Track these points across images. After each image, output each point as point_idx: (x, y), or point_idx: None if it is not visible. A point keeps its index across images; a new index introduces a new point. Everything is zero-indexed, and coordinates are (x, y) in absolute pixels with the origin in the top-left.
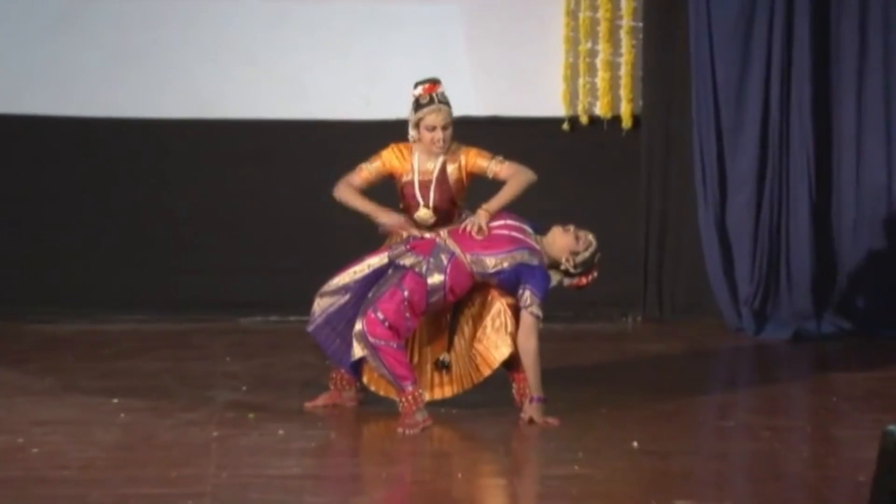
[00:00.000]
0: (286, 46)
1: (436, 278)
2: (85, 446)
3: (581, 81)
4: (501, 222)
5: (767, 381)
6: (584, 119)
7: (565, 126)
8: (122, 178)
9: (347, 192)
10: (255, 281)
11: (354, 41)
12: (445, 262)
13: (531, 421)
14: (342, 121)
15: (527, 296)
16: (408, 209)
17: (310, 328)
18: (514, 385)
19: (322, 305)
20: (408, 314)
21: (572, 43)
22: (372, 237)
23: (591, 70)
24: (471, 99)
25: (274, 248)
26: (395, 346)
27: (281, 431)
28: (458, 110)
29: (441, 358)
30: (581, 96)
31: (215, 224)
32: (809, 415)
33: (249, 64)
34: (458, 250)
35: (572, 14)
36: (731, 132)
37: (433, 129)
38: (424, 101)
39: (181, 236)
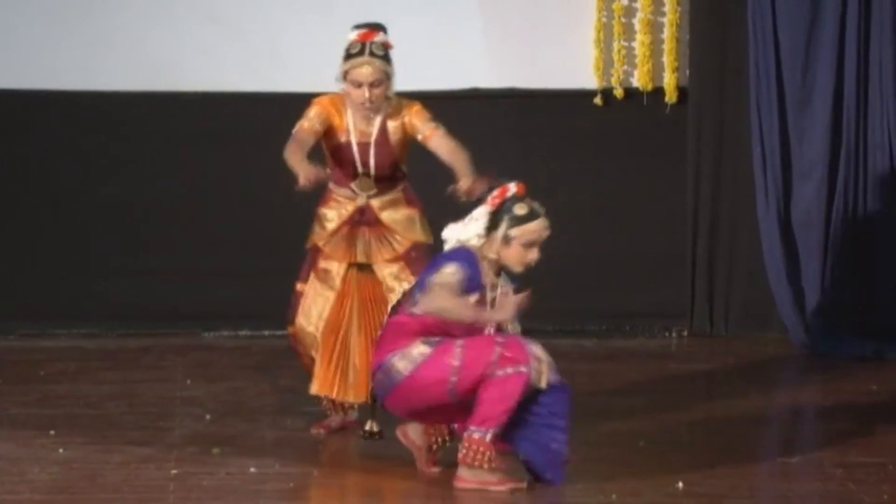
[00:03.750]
0: (256, 3)
1: None
2: (16, 487)
3: (616, 46)
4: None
5: (840, 409)
6: (618, 92)
7: (597, 100)
8: (59, 163)
9: (294, 151)
10: (220, 287)
11: (336, 1)
12: None
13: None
14: (325, 93)
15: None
16: (340, 176)
17: None
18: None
19: None
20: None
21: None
22: None
23: (629, 32)
24: (483, 68)
25: (244, 247)
26: None
27: (252, 469)
28: (468, 81)
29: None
30: (616, 64)
31: (172, 218)
32: (891, 449)
33: (212, 24)
34: None
35: None
36: (796, 108)
37: (359, 85)
38: (354, 49)
39: (131, 233)
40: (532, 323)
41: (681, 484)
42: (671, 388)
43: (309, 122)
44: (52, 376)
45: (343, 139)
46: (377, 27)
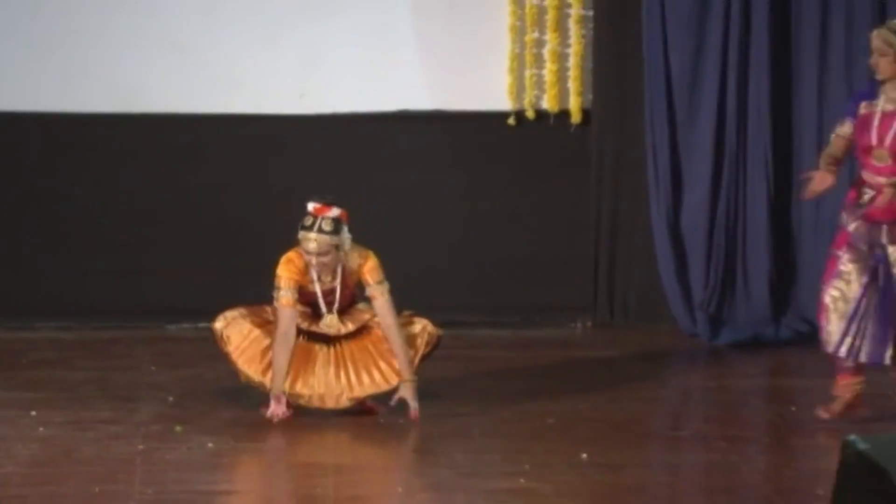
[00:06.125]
0: (215, 34)
1: None
2: (2, 462)
3: (528, 73)
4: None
5: (723, 388)
6: (530, 113)
7: (511, 120)
8: (39, 176)
9: (282, 345)
10: (182, 284)
11: (289, 28)
12: None
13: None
14: (274, 115)
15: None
16: (309, 313)
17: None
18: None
19: None
20: None
21: (518, 32)
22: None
23: (539, 61)
24: (413, 91)
25: (203, 249)
26: None
27: (210, 444)
28: (399, 104)
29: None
30: (527, 89)
31: (140, 224)
32: (766, 424)
33: (175, 53)
34: None
35: (518, 1)
36: (684, 126)
37: (308, 254)
38: (307, 223)
39: (103, 237)
40: (456, 315)
41: (585, 455)
42: (577, 372)
43: (286, 297)
44: (33, 364)
45: (309, 289)
46: (331, 204)
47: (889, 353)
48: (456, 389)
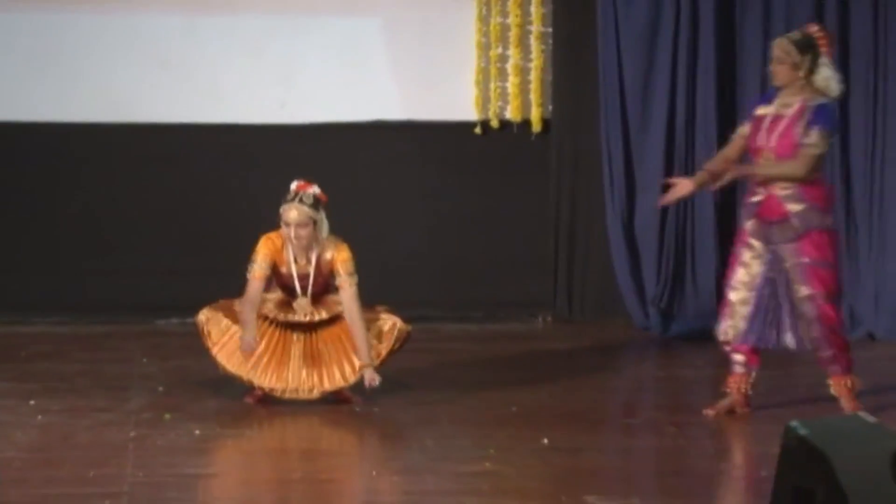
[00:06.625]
0: (199, 50)
1: None
2: (2, 447)
3: (492, 86)
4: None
5: (672, 378)
6: (495, 123)
7: (477, 130)
8: (36, 182)
9: (247, 308)
10: (170, 283)
11: (268, 44)
12: None
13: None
14: (256, 124)
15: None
16: (284, 295)
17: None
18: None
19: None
20: None
21: (484, 48)
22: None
23: (502, 75)
24: (386, 103)
25: (189, 250)
26: None
27: (197, 431)
28: (373, 114)
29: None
30: (492, 101)
31: (130, 227)
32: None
33: (162, 68)
34: None
35: (484, 20)
36: (637, 135)
37: (288, 224)
38: (289, 197)
39: (96, 239)
40: (426, 311)
41: (546, 440)
42: (538, 363)
43: (260, 270)
44: (31, 356)
45: (285, 270)
46: (311, 183)
47: (793, 336)
48: (426, 380)
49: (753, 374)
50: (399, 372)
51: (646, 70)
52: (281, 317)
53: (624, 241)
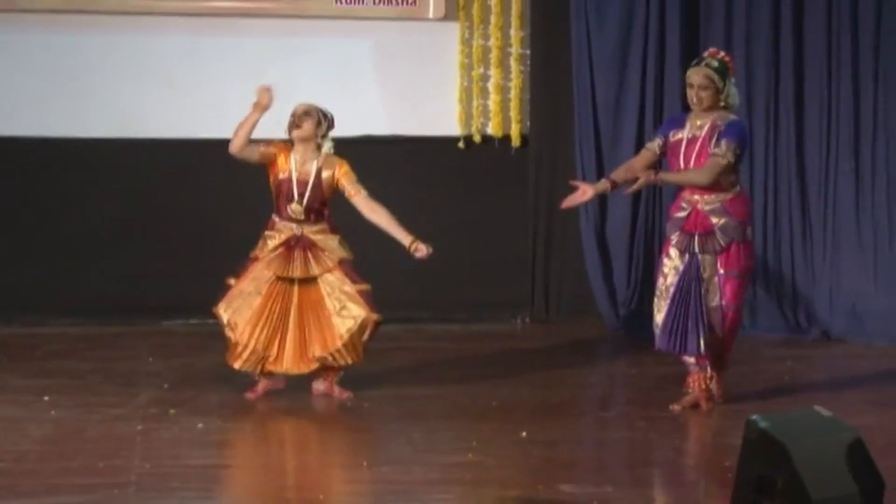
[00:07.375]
0: (202, 69)
1: None
2: (18, 440)
3: (475, 104)
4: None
5: (643, 375)
6: (477, 138)
7: (460, 144)
8: (51, 192)
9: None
10: (176, 287)
11: (266, 65)
12: None
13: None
14: (254, 140)
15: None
16: (281, 206)
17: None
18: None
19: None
20: None
21: (466, 69)
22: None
23: (484, 93)
24: (375, 119)
25: (192, 255)
26: None
27: (200, 425)
28: (363, 129)
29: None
30: (475, 117)
31: (138, 235)
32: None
33: (168, 87)
34: None
35: (466, 42)
36: (609, 149)
37: (294, 115)
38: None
39: (106, 246)
40: (411, 312)
41: (524, 433)
42: (517, 361)
43: (264, 147)
44: (45, 355)
45: (284, 175)
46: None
47: (700, 344)
48: (413, 376)
49: (709, 370)
50: (387, 369)
51: (617, 89)
52: (281, 272)
53: (597, 247)
